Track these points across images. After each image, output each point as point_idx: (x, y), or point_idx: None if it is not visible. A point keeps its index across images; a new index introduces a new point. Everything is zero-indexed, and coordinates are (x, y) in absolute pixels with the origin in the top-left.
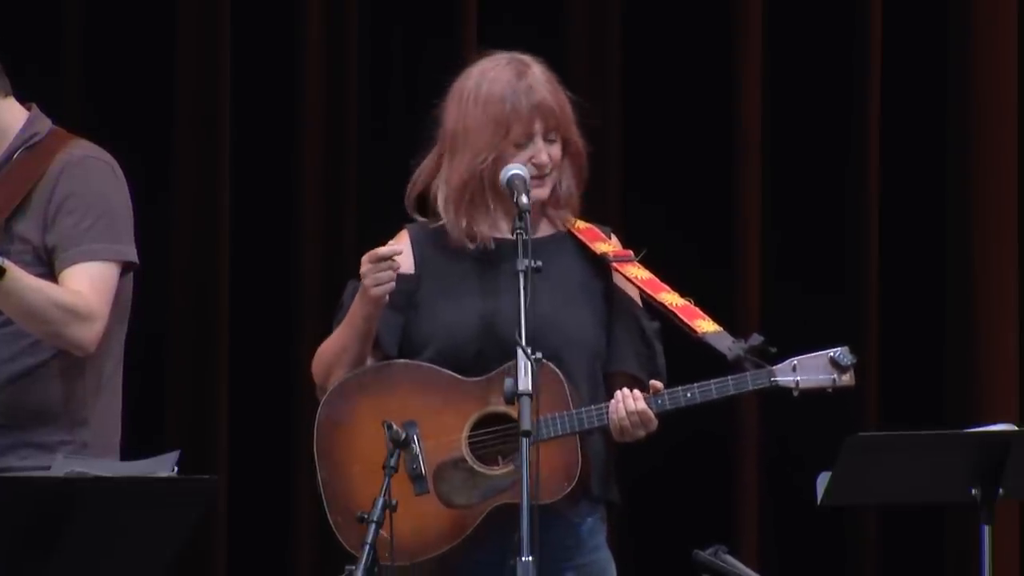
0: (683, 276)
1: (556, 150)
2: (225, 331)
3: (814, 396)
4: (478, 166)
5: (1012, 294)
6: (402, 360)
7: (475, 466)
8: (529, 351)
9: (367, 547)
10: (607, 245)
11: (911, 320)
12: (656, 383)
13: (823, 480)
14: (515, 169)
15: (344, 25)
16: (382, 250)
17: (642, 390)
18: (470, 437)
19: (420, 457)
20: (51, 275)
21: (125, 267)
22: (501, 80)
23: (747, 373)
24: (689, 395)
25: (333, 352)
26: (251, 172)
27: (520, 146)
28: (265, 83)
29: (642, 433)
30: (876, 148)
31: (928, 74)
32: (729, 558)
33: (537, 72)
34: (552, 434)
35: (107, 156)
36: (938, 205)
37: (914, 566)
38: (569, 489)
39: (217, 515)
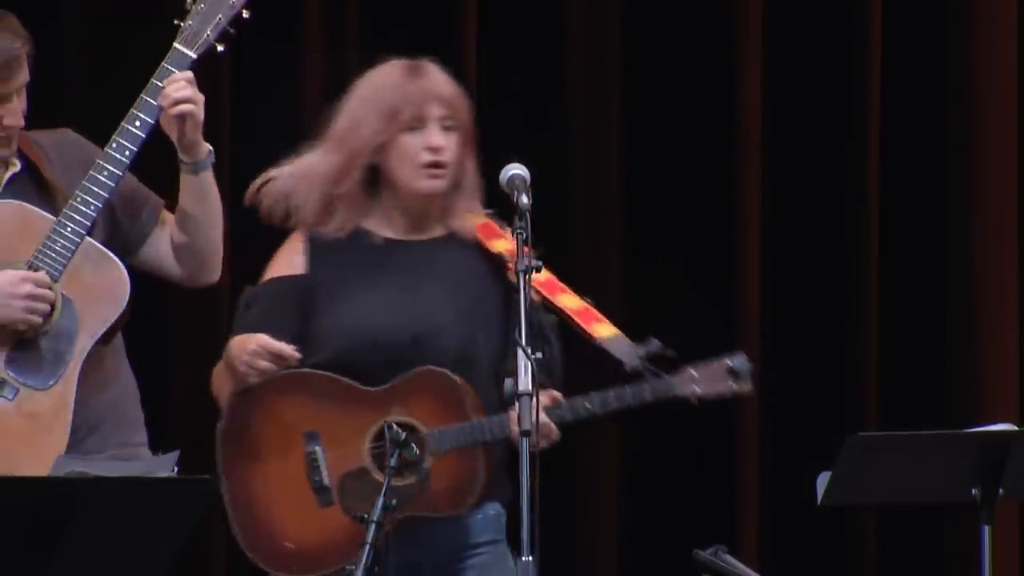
0: (683, 276)
1: (452, 139)
2: (225, 331)
3: (712, 402)
4: (364, 154)
5: (1012, 294)
6: (302, 370)
7: (378, 477)
8: (529, 351)
9: (367, 547)
10: (505, 242)
11: (911, 320)
12: (555, 393)
13: (823, 480)
14: (515, 169)
15: (344, 27)
16: (286, 350)
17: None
18: (372, 447)
19: (323, 469)
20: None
21: None
22: (393, 74)
23: (646, 383)
24: (589, 405)
25: (217, 383)
26: (253, 172)
27: (413, 130)
28: (265, 84)
29: (544, 445)
30: (876, 148)
31: (928, 74)
32: (729, 558)
33: (432, 68)
34: (450, 446)
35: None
36: (938, 205)
37: (914, 566)
38: (471, 503)
39: (217, 515)
